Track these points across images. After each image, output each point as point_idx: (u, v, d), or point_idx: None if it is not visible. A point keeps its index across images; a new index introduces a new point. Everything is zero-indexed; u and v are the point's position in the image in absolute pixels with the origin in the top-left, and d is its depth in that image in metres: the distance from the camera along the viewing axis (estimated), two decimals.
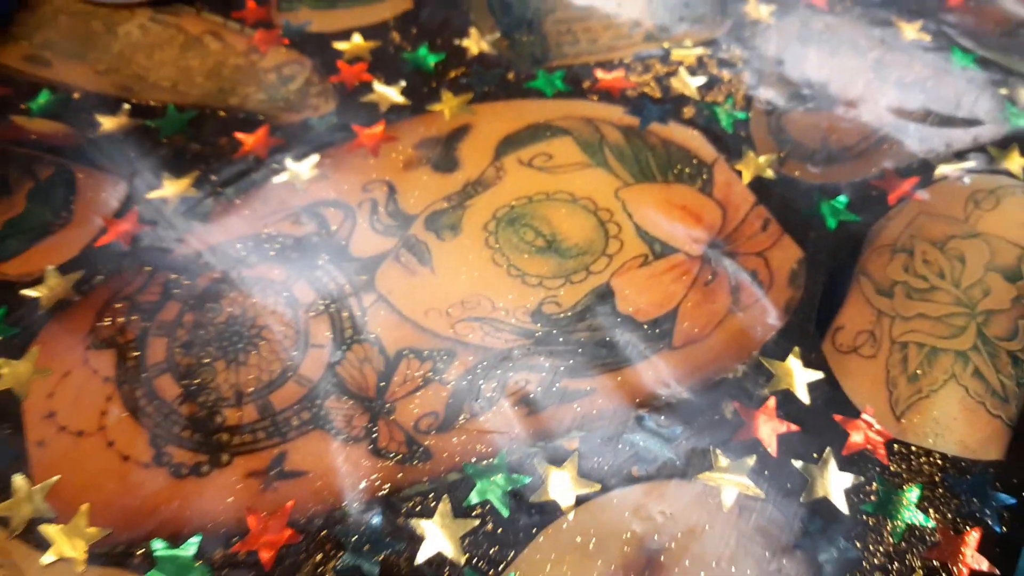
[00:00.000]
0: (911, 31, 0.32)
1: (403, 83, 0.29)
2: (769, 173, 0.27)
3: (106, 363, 0.23)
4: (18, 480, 0.21)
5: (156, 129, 0.28)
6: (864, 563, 0.20)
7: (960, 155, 0.28)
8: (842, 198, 0.26)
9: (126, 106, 0.29)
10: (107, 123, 0.28)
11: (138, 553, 0.20)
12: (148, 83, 0.30)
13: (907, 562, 0.20)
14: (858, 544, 0.20)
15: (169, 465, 0.21)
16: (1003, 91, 0.30)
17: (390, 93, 0.29)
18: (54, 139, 0.28)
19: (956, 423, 0.22)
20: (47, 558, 0.20)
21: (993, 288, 0.24)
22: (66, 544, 0.20)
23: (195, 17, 0.32)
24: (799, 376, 0.23)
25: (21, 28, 0.32)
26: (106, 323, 0.23)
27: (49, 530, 0.20)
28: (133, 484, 0.21)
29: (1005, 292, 0.24)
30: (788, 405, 0.22)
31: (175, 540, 0.20)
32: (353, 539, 0.20)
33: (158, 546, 0.20)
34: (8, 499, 0.21)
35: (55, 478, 0.21)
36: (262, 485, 0.21)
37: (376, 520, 0.20)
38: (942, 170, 0.27)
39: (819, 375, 0.23)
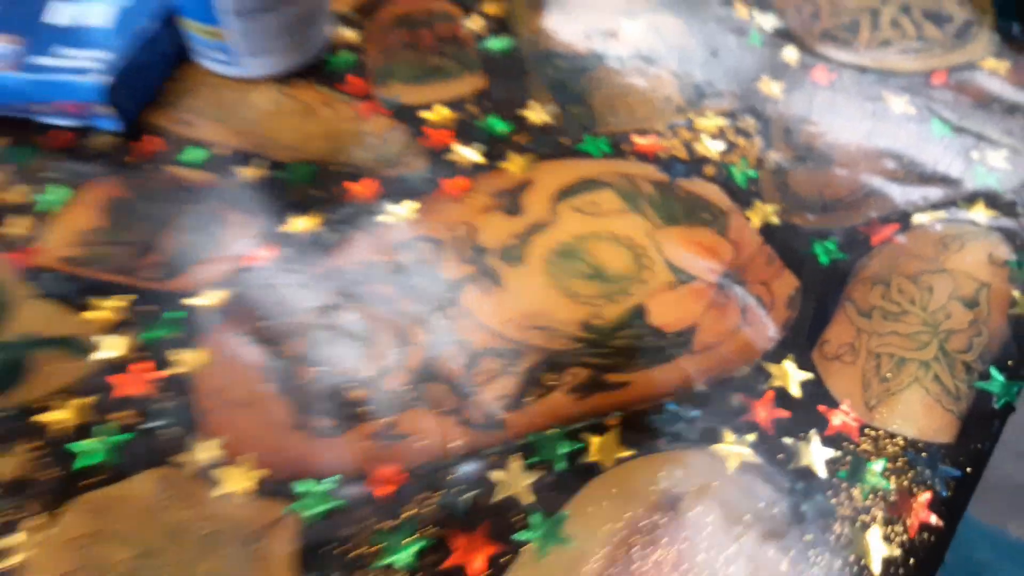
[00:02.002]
0: (899, 105, 0.38)
1: (479, 145, 0.37)
2: (774, 219, 0.33)
3: (259, 353, 0.30)
4: (194, 438, 0.28)
5: (283, 179, 0.36)
6: (836, 512, 0.25)
7: (934, 207, 0.34)
8: (833, 240, 0.33)
9: (258, 160, 0.36)
10: (244, 173, 0.36)
11: (288, 489, 0.26)
12: (275, 142, 0.37)
13: (871, 513, 0.26)
14: (833, 500, 0.26)
15: (310, 428, 0.28)
16: (974, 154, 0.36)
17: (468, 153, 0.36)
18: (201, 184, 0.36)
19: (917, 415, 0.28)
20: (217, 491, 0.27)
21: (954, 313, 0.30)
22: (233, 481, 0.27)
23: (311, 89, 0.39)
24: (792, 376, 0.29)
25: (170, 96, 0.40)
26: (257, 324, 0.30)
27: (219, 472, 0.27)
28: (282, 441, 0.28)
29: (964, 316, 0.30)
30: (782, 398, 0.28)
31: (317, 479, 0.27)
32: (448, 482, 0.26)
33: (304, 485, 0.27)
34: (187, 451, 0.28)
35: (222, 437, 0.28)
36: (379, 444, 0.27)
37: (464, 470, 0.27)
38: (918, 219, 0.33)
39: (809, 375, 0.29)
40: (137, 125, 0.38)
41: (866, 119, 0.37)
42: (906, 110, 0.37)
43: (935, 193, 0.34)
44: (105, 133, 0.38)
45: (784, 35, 0.41)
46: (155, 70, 0.39)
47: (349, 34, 0.42)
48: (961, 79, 0.39)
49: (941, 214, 0.33)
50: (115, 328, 0.31)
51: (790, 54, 0.40)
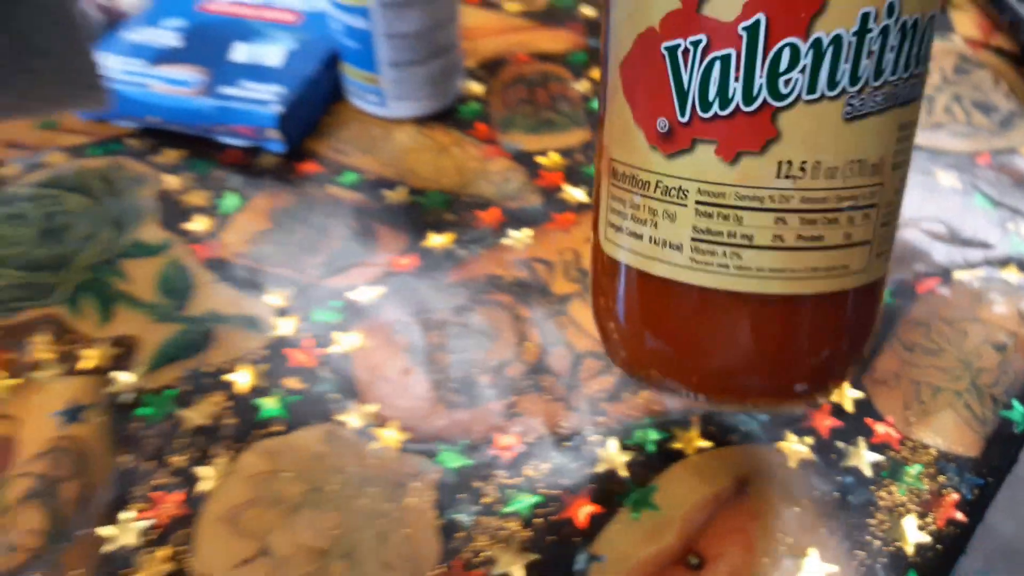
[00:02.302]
0: (947, 179, 0.44)
1: (584, 187, 0.43)
2: None
3: (405, 340, 0.36)
4: (353, 403, 0.34)
5: (422, 203, 0.43)
6: (878, 504, 0.31)
7: (973, 266, 0.40)
8: (886, 288, 0.39)
9: (402, 187, 0.44)
10: (390, 196, 0.43)
11: (428, 448, 0.33)
12: (414, 173, 0.44)
13: (907, 507, 0.31)
14: (876, 494, 0.31)
15: (446, 402, 0.34)
16: (1010, 225, 0.42)
17: (576, 193, 0.43)
18: (356, 204, 0.43)
19: (949, 432, 0.33)
20: (376, 445, 0.33)
21: (984, 355, 0.36)
22: (383, 439, 0.33)
23: (444, 132, 0.47)
24: (846, 394, 0.35)
25: (326, 128, 0.47)
26: (403, 317, 0.37)
27: (376, 431, 0.34)
28: (424, 411, 0.34)
29: (993, 357, 0.36)
30: (837, 410, 0.34)
31: (452, 444, 0.33)
32: (559, 452, 0.32)
33: (441, 446, 0.33)
34: (347, 413, 0.34)
35: (375, 404, 0.34)
36: (502, 419, 0.34)
37: (572, 444, 0.33)
38: (958, 275, 0.39)
39: (860, 394, 0.34)
40: (298, 150, 0.45)
41: (918, 189, 0.43)
42: (953, 184, 0.43)
43: (974, 255, 0.40)
44: (271, 154, 0.45)
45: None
46: (315, 105, 0.46)
47: (477, 88, 0.49)
48: (1002, 161, 0.45)
49: (978, 272, 0.39)
50: (284, 312, 0.37)
51: None
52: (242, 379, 0.35)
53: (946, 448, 0.32)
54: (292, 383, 0.34)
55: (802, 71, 0.18)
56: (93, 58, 0.17)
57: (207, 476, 0.32)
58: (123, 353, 0.36)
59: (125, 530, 0.30)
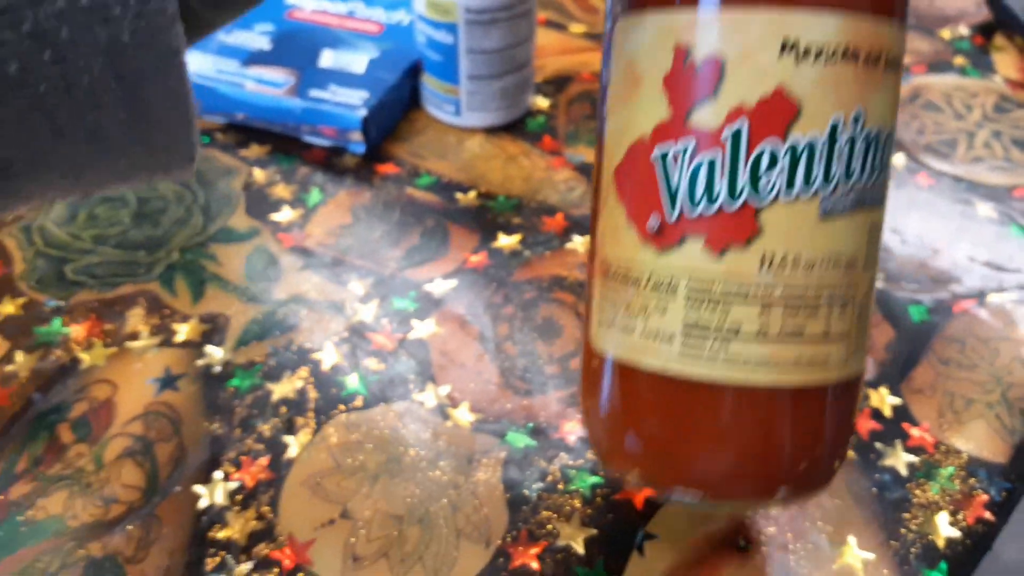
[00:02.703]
0: (984, 210, 0.47)
1: None
2: (879, 284, 0.42)
3: (476, 330, 0.39)
4: (428, 384, 0.37)
5: (493, 207, 0.46)
6: (913, 500, 0.34)
7: (1006, 290, 0.42)
8: (923, 306, 0.41)
9: (473, 192, 0.47)
10: (462, 199, 0.46)
11: (496, 429, 0.36)
12: (485, 179, 0.47)
13: (938, 503, 0.34)
14: (911, 491, 0.34)
15: (513, 388, 0.37)
16: None
17: None
18: (431, 204, 0.46)
19: (980, 439, 0.36)
20: (449, 423, 0.36)
21: (1015, 371, 0.38)
22: (458, 418, 0.36)
23: (513, 142, 0.50)
24: (886, 400, 0.37)
25: (403, 133, 0.50)
26: (476, 309, 0.40)
27: (449, 410, 0.36)
28: (492, 395, 0.37)
29: (1022, 375, 0.38)
30: (876, 415, 0.37)
31: (519, 425, 0.36)
32: None
33: (509, 427, 0.36)
34: (423, 392, 0.37)
35: (449, 386, 0.37)
36: (565, 405, 0.36)
37: None
38: (992, 298, 0.42)
39: (898, 401, 0.37)
40: (377, 152, 0.48)
41: (956, 218, 0.46)
42: (990, 215, 0.46)
43: (1009, 280, 0.42)
44: (352, 155, 0.48)
45: (895, 145, 0.50)
46: (394, 111, 0.50)
47: (543, 102, 0.52)
48: None
49: (1012, 296, 0.41)
50: (365, 299, 0.41)
51: (899, 160, 0.49)
52: (327, 357, 0.38)
53: (977, 453, 0.35)
54: (372, 364, 0.37)
55: (780, 172, 0.20)
56: (196, 135, 0.19)
57: (292, 444, 0.35)
58: (213, 329, 0.39)
59: (215, 489, 0.33)
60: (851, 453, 0.34)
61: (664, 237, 0.22)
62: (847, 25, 0.20)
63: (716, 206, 0.21)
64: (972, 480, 0.34)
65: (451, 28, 0.45)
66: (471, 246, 0.43)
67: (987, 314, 0.40)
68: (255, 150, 0.48)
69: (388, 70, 0.49)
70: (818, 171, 0.21)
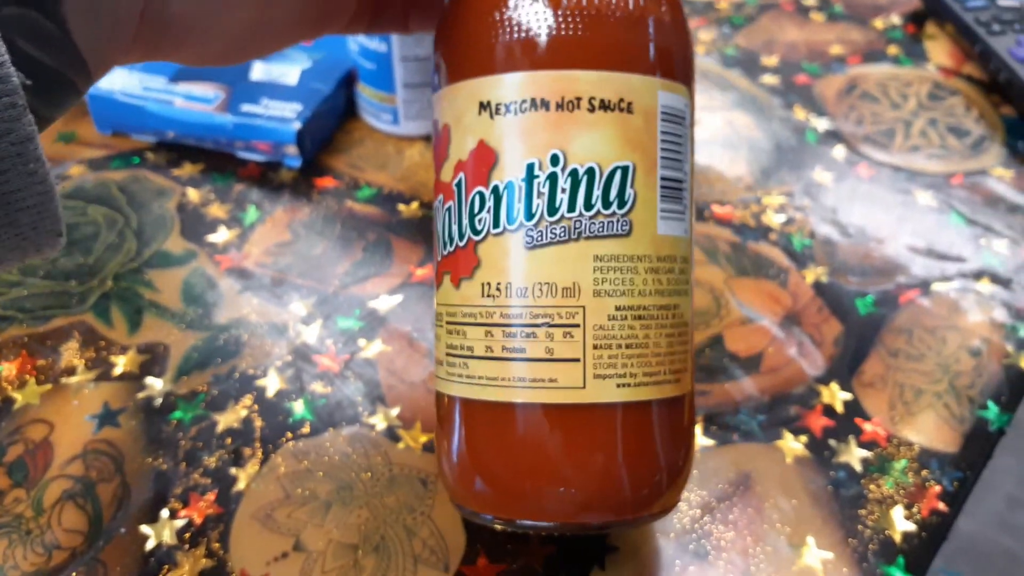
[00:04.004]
0: (924, 198, 0.47)
1: None
2: (824, 278, 0.42)
3: (425, 346, 0.39)
4: (378, 406, 0.36)
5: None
6: (868, 496, 0.34)
7: (949, 279, 0.43)
8: (870, 298, 0.42)
9: (415, 202, 0.46)
10: (405, 210, 0.45)
11: None
12: (428, 188, 0.46)
13: (893, 498, 0.34)
14: (865, 486, 0.34)
15: None
16: (983, 241, 0.45)
17: None
18: (373, 217, 0.45)
19: (930, 430, 0.36)
20: (401, 445, 0.35)
21: (961, 359, 0.39)
22: (410, 439, 0.35)
23: None
24: (836, 395, 0.37)
25: (341, 144, 0.49)
26: (423, 325, 0.39)
27: (400, 432, 0.36)
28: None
29: (969, 362, 0.39)
30: (828, 411, 0.37)
31: None
32: None
33: None
34: (373, 415, 0.36)
35: (399, 407, 0.36)
36: None
37: None
38: (936, 287, 0.42)
39: (849, 396, 0.37)
40: (314, 165, 0.47)
41: (898, 208, 0.46)
42: (929, 203, 0.46)
43: (950, 268, 0.43)
44: (288, 169, 0.47)
45: (834, 136, 0.51)
46: (330, 122, 0.49)
47: None
48: (974, 182, 0.48)
49: (954, 284, 0.42)
50: (307, 319, 0.40)
51: (839, 152, 0.49)
52: (271, 384, 0.37)
53: (928, 445, 0.35)
54: (318, 387, 0.36)
55: (488, 211, 0.24)
56: (60, 211, 0.20)
57: (240, 476, 0.33)
58: (152, 359, 0.38)
59: (163, 529, 0.32)
60: (806, 451, 0.34)
61: (436, 277, 0.27)
62: (529, 81, 0.23)
63: (454, 246, 0.25)
64: (924, 472, 0.34)
65: (384, 36, 0.44)
66: (416, 259, 0.42)
67: (932, 303, 0.41)
68: (188, 169, 0.47)
69: (322, 80, 0.48)
70: (518, 208, 0.23)
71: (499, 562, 0.31)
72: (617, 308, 0.23)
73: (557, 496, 0.24)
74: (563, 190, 0.23)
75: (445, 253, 0.25)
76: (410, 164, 0.47)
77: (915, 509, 0.33)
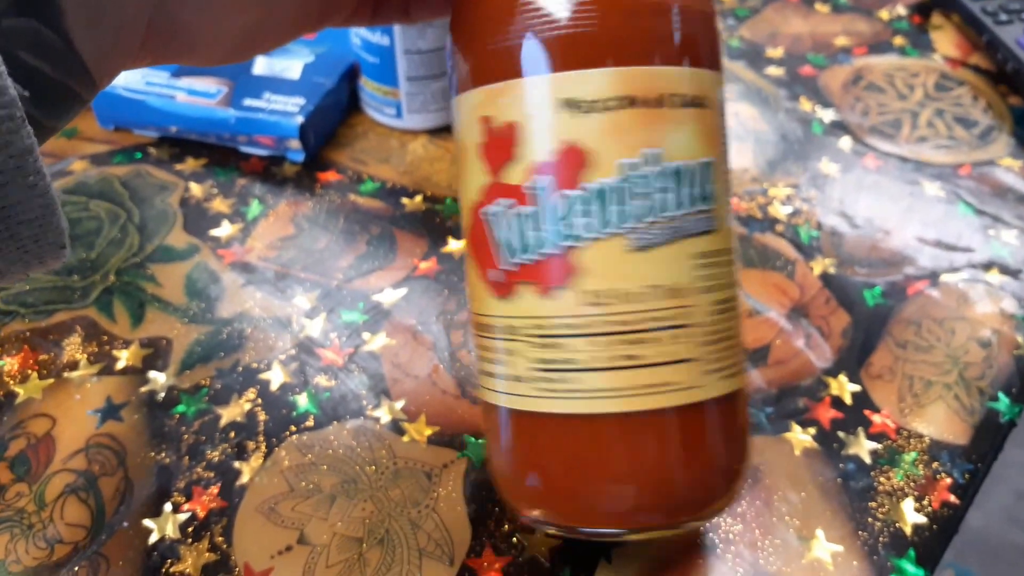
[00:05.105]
0: (932, 189, 0.47)
1: None
2: (832, 270, 0.42)
3: (429, 339, 0.38)
4: (382, 399, 0.36)
5: (440, 211, 0.45)
6: (878, 488, 0.33)
7: (957, 269, 0.43)
8: (878, 289, 0.41)
9: (419, 196, 0.46)
10: (409, 204, 0.45)
11: (455, 441, 0.35)
12: (431, 182, 0.46)
13: (903, 490, 0.33)
14: (875, 479, 0.34)
15: (470, 398, 0.36)
16: (991, 232, 0.44)
17: None
18: (376, 211, 0.45)
19: (940, 422, 0.36)
20: (405, 438, 0.35)
21: (971, 350, 0.39)
22: (414, 432, 0.35)
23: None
24: (845, 387, 0.37)
25: (344, 138, 0.49)
26: (427, 317, 0.39)
27: (405, 425, 0.35)
28: (449, 406, 0.36)
29: (979, 353, 0.38)
30: (837, 403, 0.36)
31: (477, 436, 0.35)
32: None
33: (468, 440, 0.35)
34: (378, 408, 0.36)
35: (403, 400, 0.36)
36: None
37: None
38: (945, 278, 0.42)
39: (857, 387, 0.37)
40: (317, 159, 0.47)
41: (905, 198, 0.46)
42: (937, 194, 0.46)
43: (959, 259, 0.42)
44: (292, 163, 0.47)
45: (840, 127, 0.50)
46: (333, 116, 0.48)
47: None
48: (982, 172, 0.48)
49: (963, 275, 0.42)
50: (310, 313, 0.39)
51: (845, 143, 0.49)
52: (275, 377, 0.36)
53: (938, 436, 0.35)
54: (322, 381, 0.36)
55: (583, 215, 0.22)
56: (63, 223, 0.20)
57: (243, 470, 0.33)
58: (155, 353, 0.37)
59: (165, 523, 0.32)
60: (814, 444, 0.34)
61: (503, 287, 0.24)
62: (619, 77, 0.22)
63: (535, 254, 0.23)
64: (935, 464, 0.34)
65: (386, 29, 0.44)
66: (420, 252, 0.42)
67: (940, 294, 0.40)
68: (190, 164, 0.47)
69: (324, 74, 0.47)
70: (614, 210, 0.22)
71: (504, 555, 0.31)
72: (715, 303, 0.24)
73: (677, 500, 0.24)
74: (661, 189, 0.22)
75: (519, 262, 0.23)
76: (413, 158, 0.47)
77: (926, 501, 0.32)
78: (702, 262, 0.23)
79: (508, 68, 0.23)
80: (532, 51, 0.23)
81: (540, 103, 0.22)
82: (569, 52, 0.22)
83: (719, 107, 0.25)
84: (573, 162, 0.22)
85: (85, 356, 0.37)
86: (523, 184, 0.23)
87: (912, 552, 0.31)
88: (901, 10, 0.61)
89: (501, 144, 0.23)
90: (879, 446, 0.34)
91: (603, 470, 0.23)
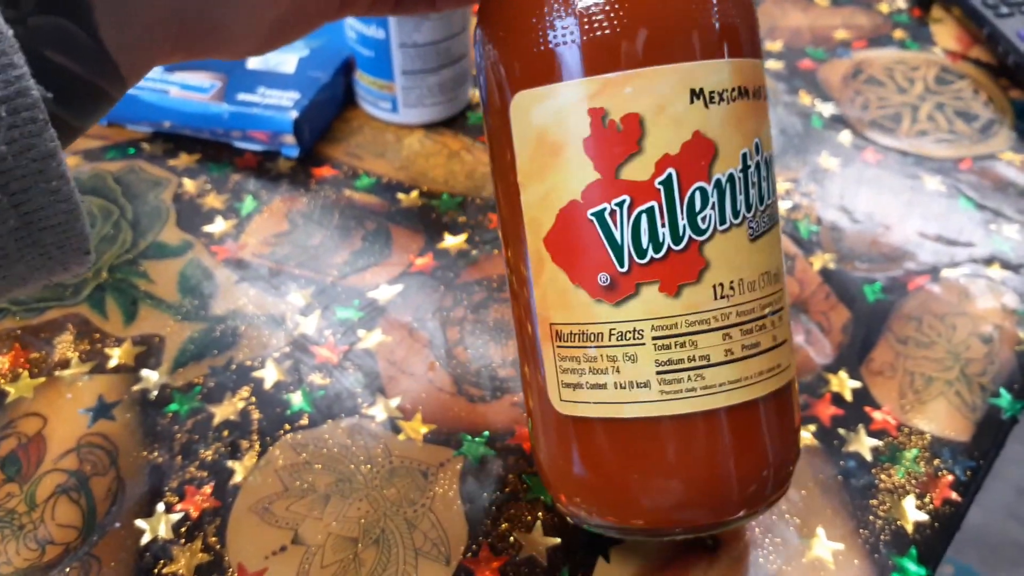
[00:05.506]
0: (932, 183, 0.47)
1: None
2: (831, 265, 0.42)
3: (425, 336, 0.38)
4: (378, 397, 0.36)
5: (436, 207, 0.44)
6: (879, 486, 0.33)
7: (958, 264, 0.42)
8: (878, 284, 0.41)
9: (415, 191, 0.45)
10: (404, 199, 0.45)
11: (451, 439, 0.34)
12: (427, 177, 0.46)
13: (904, 487, 0.33)
14: (876, 476, 0.33)
15: (466, 395, 0.36)
16: (992, 226, 0.44)
17: None
18: (372, 207, 0.44)
19: (941, 419, 0.35)
20: (401, 436, 0.34)
21: (972, 346, 0.38)
22: (410, 430, 0.35)
23: (455, 138, 0.48)
24: (845, 384, 0.36)
25: (339, 133, 0.48)
26: (423, 314, 0.39)
27: (401, 423, 0.35)
28: (446, 404, 0.35)
29: (980, 349, 0.38)
30: (837, 399, 0.36)
31: (474, 434, 0.34)
32: None
33: (464, 437, 0.34)
34: (373, 406, 0.35)
35: (399, 398, 0.36)
36: (523, 409, 0.35)
37: None
38: (946, 273, 0.41)
39: (858, 384, 0.36)
40: (312, 154, 0.46)
41: (906, 193, 0.45)
42: (938, 188, 0.46)
43: (960, 254, 0.42)
44: (286, 159, 0.46)
45: (840, 121, 0.50)
46: (328, 110, 0.48)
47: None
48: (983, 166, 0.47)
49: (964, 270, 0.41)
50: (305, 310, 0.39)
51: (845, 137, 0.49)
52: (269, 375, 0.36)
53: (939, 433, 0.34)
54: (317, 379, 0.36)
55: (713, 208, 0.22)
56: (87, 229, 0.19)
57: (237, 469, 0.33)
58: (148, 351, 0.37)
59: (158, 523, 0.31)
60: (814, 441, 0.34)
61: (618, 290, 0.23)
62: (736, 68, 0.23)
63: (663, 251, 0.22)
64: (936, 461, 0.33)
65: (382, 23, 0.43)
66: (416, 248, 0.41)
67: (941, 290, 0.40)
68: (184, 159, 0.46)
69: (319, 68, 0.47)
70: (740, 200, 0.23)
71: (501, 555, 0.30)
72: (785, 285, 0.25)
73: (756, 486, 0.25)
74: (765, 178, 0.23)
75: (646, 261, 0.22)
76: (409, 153, 0.47)
77: (927, 499, 0.32)
78: (778, 248, 0.25)
79: (632, 57, 0.22)
80: (660, 42, 0.22)
81: (669, 94, 0.22)
82: (703, 42, 0.22)
83: (767, 97, 0.25)
84: (703, 153, 0.22)
85: (77, 354, 0.37)
86: (648, 179, 0.22)
87: (914, 550, 0.30)
88: (901, 3, 0.60)
89: (620, 138, 0.22)
90: (880, 443, 0.34)
91: (676, 468, 0.24)
